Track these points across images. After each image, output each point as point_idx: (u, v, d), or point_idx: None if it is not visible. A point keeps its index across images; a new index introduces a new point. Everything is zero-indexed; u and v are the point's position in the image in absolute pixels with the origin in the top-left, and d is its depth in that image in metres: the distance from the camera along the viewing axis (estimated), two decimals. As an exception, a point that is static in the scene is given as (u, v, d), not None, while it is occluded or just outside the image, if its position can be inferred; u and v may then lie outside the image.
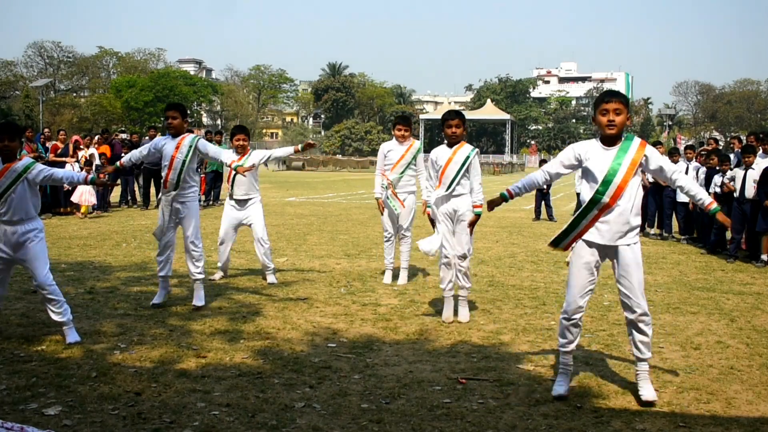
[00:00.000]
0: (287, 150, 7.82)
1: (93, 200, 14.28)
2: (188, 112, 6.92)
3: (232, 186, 7.48)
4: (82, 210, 14.08)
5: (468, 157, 5.89)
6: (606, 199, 4.01)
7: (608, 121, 4.03)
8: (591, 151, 4.13)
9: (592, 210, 4.08)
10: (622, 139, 4.11)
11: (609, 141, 4.10)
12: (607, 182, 4.00)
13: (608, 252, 4.13)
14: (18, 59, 67.42)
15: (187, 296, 6.56)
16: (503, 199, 4.48)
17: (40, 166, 5.15)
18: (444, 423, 3.76)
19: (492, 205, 4.61)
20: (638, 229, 4.12)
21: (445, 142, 6.10)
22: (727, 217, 10.52)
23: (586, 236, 4.12)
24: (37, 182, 5.08)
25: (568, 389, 4.19)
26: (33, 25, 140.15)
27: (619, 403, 4.12)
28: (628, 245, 4.06)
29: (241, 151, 7.48)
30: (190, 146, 6.16)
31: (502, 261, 9.36)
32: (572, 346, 4.25)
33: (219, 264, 7.73)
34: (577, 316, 4.19)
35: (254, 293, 6.98)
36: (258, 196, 7.60)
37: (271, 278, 7.61)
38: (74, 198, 14.19)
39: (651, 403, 4.04)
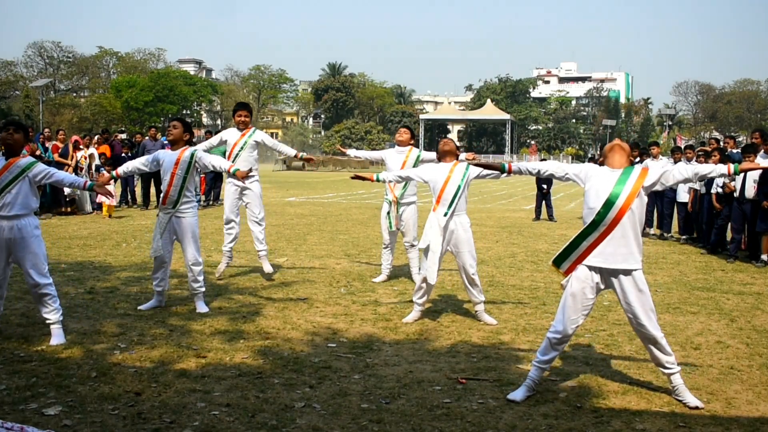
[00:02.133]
0: (290, 151, 8.10)
1: (114, 201, 14.46)
2: (192, 129, 7.00)
3: (232, 162, 7.46)
4: (105, 211, 14.11)
5: (465, 174, 5.85)
6: (607, 221, 4.02)
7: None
8: (598, 173, 4.17)
9: (592, 232, 4.08)
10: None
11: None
12: (609, 204, 4.01)
13: (610, 278, 4.11)
14: (18, 59, 67.67)
15: (186, 296, 6.55)
16: (501, 169, 4.66)
17: (41, 165, 5.18)
18: (444, 423, 3.76)
19: (486, 166, 4.87)
20: (640, 255, 4.08)
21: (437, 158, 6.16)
22: (727, 218, 10.40)
23: (587, 261, 4.11)
24: (37, 181, 5.12)
25: (523, 399, 4.12)
26: (33, 25, 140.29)
27: (619, 403, 4.12)
28: (630, 271, 4.04)
29: (243, 127, 7.51)
30: (190, 162, 6.10)
31: (502, 261, 9.36)
32: (548, 366, 4.26)
33: (225, 247, 7.64)
34: (564, 340, 4.19)
35: (254, 293, 6.98)
36: (257, 175, 7.60)
37: (266, 266, 7.63)
38: (99, 198, 14.37)
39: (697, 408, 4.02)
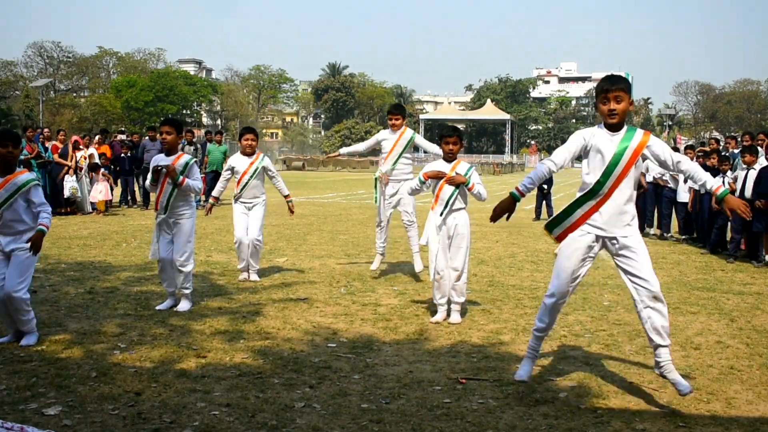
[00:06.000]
0: (284, 190, 7.86)
1: (101, 197, 14.57)
2: (183, 129, 6.91)
3: (241, 190, 7.51)
4: (100, 207, 14.30)
5: (466, 174, 5.81)
6: (605, 189, 3.98)
7: (609, 110, 3.97)
8: (597, 137, 4.05)
9: (589, 200, 4.03)
10: (626, 128, 4.05)
11: (613, 128, 4.04)
12: (608, 172, 3.95)
13: (606, 243, 4.05)
14: (18, 59, 67.60)
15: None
16: (514, 200, 4.06)
17: (39, 189, 5.07)
18: (444, 423, 3.76)
19: (500, 212, 4.12)
20: (635, 218, 4.05)
21: (442, 156, 6.06)
22: (727, 218, 10.33)
23: (583, 228, 4.05)
24: (30, 200, 4.99)
25: (530, 375, 4.16)
26: (33, 25, 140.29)
27: (619, 403, 4.12)
28: (626, 236, 3.99)
29: (250, 151, 7.57)
30: (182, 171, 6.05)
31: (502, 261, 9.36)
32: (548, 332, 4.24)
33: (240, 266, 7.67)
34: (562, 301, 4.14)
35: (254, 293, 6.98)
36: (264, 197, 7.71)
37: (253, 276, 7.65)
38: (90, 196, 14.53)
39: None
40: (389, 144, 7.58)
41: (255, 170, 7.49)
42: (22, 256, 4.94)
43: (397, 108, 7.83)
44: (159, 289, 6.93)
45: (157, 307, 6.20)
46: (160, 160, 6.20)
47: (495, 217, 4.16)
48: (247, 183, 7.48)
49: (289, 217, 7.85)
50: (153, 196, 6.36)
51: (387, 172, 7.56)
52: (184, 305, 6.20)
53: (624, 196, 3.99)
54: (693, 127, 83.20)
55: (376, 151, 8.12)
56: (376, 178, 7.72)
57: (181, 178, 6.02)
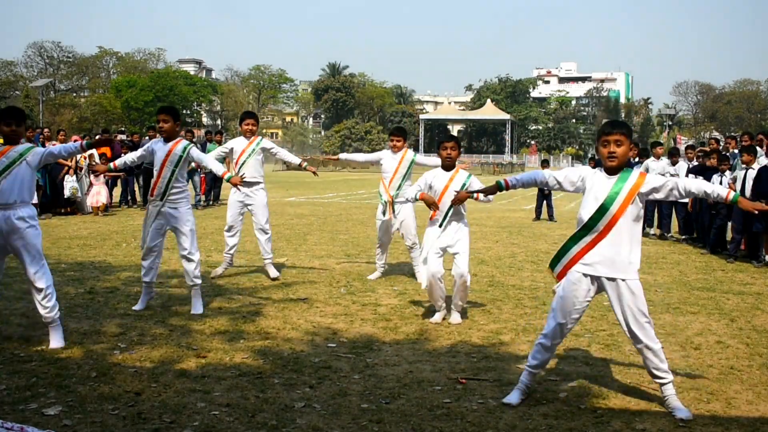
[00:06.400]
0: (294, 159, 8.17)
1: (103, 200, 14.56)
2: (180, 115, 6.86)
3: (239, 169, 7.54)
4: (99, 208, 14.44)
5: (464, 185, 5.81)
6: (600, 226, 3.95)
7: (609, 153, 3.97)
8: (595, 179, 4.06)
9: (584, 236, 4.01)
10: (623, 170, 4.06)
11: (611, 171, 4.04)
12: (603, 209, 3.93)
13: (603, 285, 4.01)
14: (18, 59, 67.65)
15: (187, 296, 6.53)
16: (498, 187, 4.35)
17: (38, 149, 5.08)
18: (444, 423, 3.76)
19: (486, 193, 4.64)
20: (636, 265, 3.97)
21: (440, 164, 6.06)
22: (727, 218, 10.33)
23: (578, 268, 4.03)
24: (37, 163, 4.99)
25: (519, 402, 4.07)
26: (33, 25, 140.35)
27: (619, 403, 4.12)
28: (625, 280, 3.93)
29: (250, 135, 7.62)
30: (181, 156, 6.04)
31: (502, 261, 9.36)
32: (539, 370, 4.21)
33: (226, 252, 7.71)
34: (555, 345, 4.15)
35: (254, 293, 6.98)
36: (262, 182, 7.71)
37: (272, 271, 7.69)
38: (88, 201, 14.54)
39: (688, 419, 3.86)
40: (391, 165, 7.63)
41: (253, 150, 7.55)
42: (29, 231, 4.88)
43: (399, 130, 7.94)
44: (159, 289, 6.93)
45: (134, 308, 6.10)
46: (157, 145, 6.18)
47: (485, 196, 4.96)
48: (244, 162, 7.50)
49: (314, 176, 8.01)
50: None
51: (393, 195, 7.62)
52: (197, 305, 6.11)
53: (621, 237, 3.93)
54: (693, 127, 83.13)
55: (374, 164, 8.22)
56: (385, 202, 7.72)
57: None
